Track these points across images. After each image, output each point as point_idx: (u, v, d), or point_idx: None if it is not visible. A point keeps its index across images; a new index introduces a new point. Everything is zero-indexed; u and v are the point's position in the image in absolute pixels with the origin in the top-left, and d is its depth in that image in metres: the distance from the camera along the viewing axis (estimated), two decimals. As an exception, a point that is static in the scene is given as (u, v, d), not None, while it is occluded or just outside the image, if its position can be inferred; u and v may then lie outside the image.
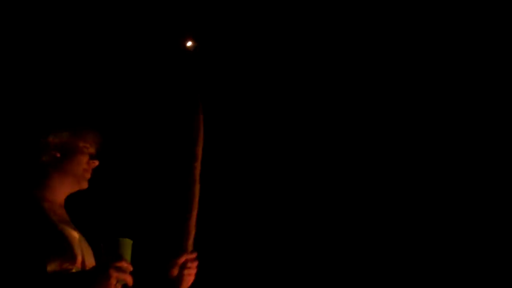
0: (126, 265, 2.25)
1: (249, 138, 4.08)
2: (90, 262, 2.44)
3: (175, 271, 2.60)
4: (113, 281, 2.21)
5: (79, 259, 2.39)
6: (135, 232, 3.71)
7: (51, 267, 2.28)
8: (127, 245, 2.29)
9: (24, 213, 2.33)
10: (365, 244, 4.14)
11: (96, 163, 2.58)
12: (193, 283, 2.63)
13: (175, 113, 3.58)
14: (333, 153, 4.14)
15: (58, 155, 2.51)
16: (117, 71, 3.90)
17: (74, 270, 2.34)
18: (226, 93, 3.89)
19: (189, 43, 2.82)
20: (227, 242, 4.03)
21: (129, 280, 2.25)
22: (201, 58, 2.83)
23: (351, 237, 4.15)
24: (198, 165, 2.69)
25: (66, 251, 2.33)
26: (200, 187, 2.68)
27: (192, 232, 2.64)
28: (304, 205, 4.14)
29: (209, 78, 3.00)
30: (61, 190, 2.52)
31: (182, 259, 2.60)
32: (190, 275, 2.61)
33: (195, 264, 2.62)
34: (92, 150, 2.58)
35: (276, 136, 4.11)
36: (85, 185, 2.56)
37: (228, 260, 4.03)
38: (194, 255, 2.62)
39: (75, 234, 2.44)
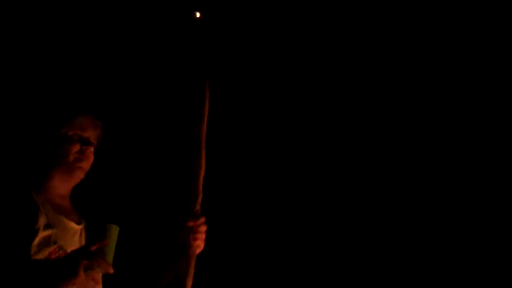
0: (95, 249, 2.17)
1: (255, 107, 4.08)
2: None
3: (183, 236, 2.55)
4: (80, 268, 2.15)
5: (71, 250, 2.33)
6: (143, 199, 3.76)
7: (36, 257, 2.26)
8: (114, 231, 2.24)
9: (13, 203, 2.30)
10: (366, 244, 4.14)
11: (91, 149, 2.48)
12: (203, 250, 2.60)
13: (182, 81, 3.55)
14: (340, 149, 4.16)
15: (48, 146, 2.45)
16: (124, 45, 3.90)
17: None
18: (233, 65, 3.88)
19: (198, 14, 2.80)
20: (234, 207, 4.02)
21: (103, 266, 2.18)
22: (210, 30, 2.84)
23: (351, 236, 4.15)
24: (204, 128, 2.65)
25: (50, 241, 2.29)
26: (206, 151, 2.64)
27: (199, 196, 2.59)
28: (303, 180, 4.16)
29: (216, 50, 2.95)
30: (59, 180, 2.46)
31: (188, 224, 2.54)
32: (198, 241, 2.56)
33: (203, 228, 2.56)
34: (86, 135, 2.49)
35: (283, 112, 4.11)
36: (79, 175, 2.47)
37: (236, 227, 4.02)
38: (202, 220, 2.57)
39: (73, 225, 2.41)
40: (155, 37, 3.82)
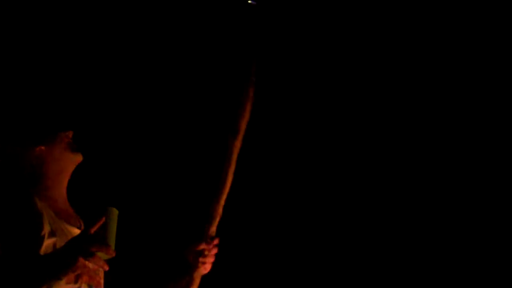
0: (94, 232, 2.09)
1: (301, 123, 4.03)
2: None
3: (191, 257, 2.49)
4: (80, 253, 2.05)
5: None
6: (159, 210, 3.67)
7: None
8: (113, 214, 2.16)
9: (17, 211, 2.23)
10: (366, 244, 4.10)
11: (71, 132, 2.45)
12: (210, 271, 2.55)
13: (224, 80, 3.52)
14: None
15: (43, 147, 2.39)
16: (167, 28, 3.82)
17: None
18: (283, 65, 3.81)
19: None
20: (252, 235, 3.97)
21: (104, 250, 2.08)
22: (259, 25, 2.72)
23: (352, 236, 4.11)
24: (238, 144, 2.50)
25: (54, 248, 2.21)
26: (235, 169, 2.50)
27: (217, 217, 2.50)
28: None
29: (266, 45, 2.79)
30: (60, 180, 2.41)
31: (199, 247, 2.49)
32: (206, 263, 2.51)
33: (213, 252, 2.51)
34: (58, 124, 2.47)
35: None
36: (79, 157, 2.44)
37: (249, 254, 3.98)
38: (214, 243, 2.51)
39: (75, 230, 2.33)
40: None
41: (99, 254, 2.07)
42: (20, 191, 2.32)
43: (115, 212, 2.16)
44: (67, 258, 2.05)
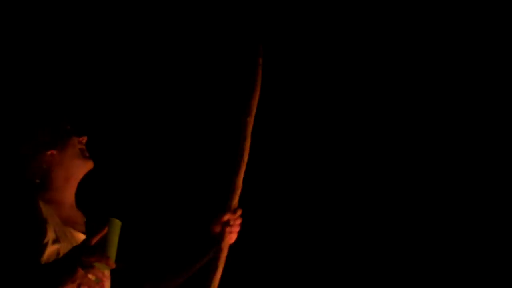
0: (94, 243, 2.11)
1: (308, 97, 4.05)
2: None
3: (218, 228, 2.56)
4: (79, 264, 2.08)
5: None
6: (180, 187, 3.76)
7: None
8: (115, 225, 2.17)
9: (20, 217, 2.26)
10: (367, 244, 4.14)
11: (85, 138, 2.49)
12: (236, 241, 2.60)
13: (233, 64, 3.53)
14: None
15: (54, 152, 2.42)
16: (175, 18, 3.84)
17: None
18: (289, 47, 3.82)
19: None
20: (274, 203, 4.00)
21: (103, 261, 2.10)
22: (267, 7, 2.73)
23: (353, 236, 4.15)
24: (251, 120, 2.60)
25: (58, 255, 2.24)
26: (250, 143, 2.59)
27: (238, 189, 2.57)
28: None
29: (273, 29, 2.90)
30: (69, 185, 2.44)
31: (225, 217, 2.55)
32: (232, 233, 2.57)
33: (238, 222, 2.57)
34: (72, 128, 2.49)
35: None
36: (91, 164, 2.47)
37: (273, 221, 4.01)
38: (238, 213, 2.57)
39: (81, 236, 2.36)
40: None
41: (99, 265, 2.09)
42: (25, 196, 2.31)
43: (117, 223, 2.16)
44: (67, 268, 2.07)
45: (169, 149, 3.88)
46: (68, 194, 2.44)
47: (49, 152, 2.41)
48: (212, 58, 3.81)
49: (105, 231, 2.11)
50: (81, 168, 2.45)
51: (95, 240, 2.10)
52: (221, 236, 2.54)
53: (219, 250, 2.54)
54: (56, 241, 2.27)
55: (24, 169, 2.40)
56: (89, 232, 2.28)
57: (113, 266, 2.11)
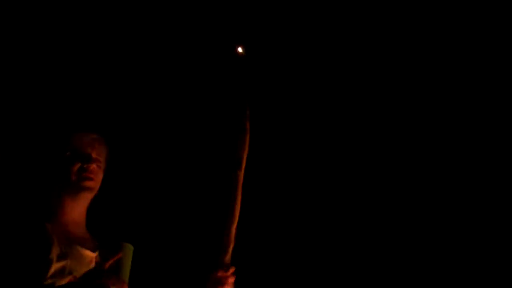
0: (108, 267, 2.12)
1: (296, 146, 4.02)
2: None
3: (210, 286, 2.50)
4: None
5: None
6: (171, 243, 3.70)
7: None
8: (128, 250, 2.19)
9: (26, 235, 2.24)
10: (367, 244, 4.07)
11: (93, 165, 2.40)
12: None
13: (221, 118, 3.53)
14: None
15: (51, 172, 2.40)
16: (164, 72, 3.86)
17: None
18: (274, 100, 3.84)
19: (240, 49, 2.77)
20: (267, 258, 3.95)
21: (117, 285, 2.11)
22: (251, 65, 2.77)
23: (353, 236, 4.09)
24: (241, 174, 2.57)
25: (64, 272, 2.23)
26: (242, 197, 2.55)
27: (231, 246, 2.53)
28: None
29: (257, 84, 2.89)
30: (68, 205, 2.40)
31: (217, 275, 2.50)
32: None
33: (231, 280, 2.52)
34: (86, 152, 2.41)
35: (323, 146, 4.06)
36: (85, 195, 2.41)
37: (267, 277, 3.94)
38: (230, 271, 2.52)
39: (88, 253, 2.34)
40: (195, 69, 3.80)
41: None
42: (31, 213, 2.32)
43: (130, 248, 2.19)
44: None
45: (160, 203, 3.84)
46: (73, 211, 2.40)
47: (50, 170, 2.39)
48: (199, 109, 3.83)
49: (119, 255, 2.13)
50: (75, 195, 2.40)
51: (109, 264, 2.10)
52: None
53: None
54: (61, 257, 2.25)
55: (30, 184, 2.40)
56: (102, 256, 2.27)
57: None
